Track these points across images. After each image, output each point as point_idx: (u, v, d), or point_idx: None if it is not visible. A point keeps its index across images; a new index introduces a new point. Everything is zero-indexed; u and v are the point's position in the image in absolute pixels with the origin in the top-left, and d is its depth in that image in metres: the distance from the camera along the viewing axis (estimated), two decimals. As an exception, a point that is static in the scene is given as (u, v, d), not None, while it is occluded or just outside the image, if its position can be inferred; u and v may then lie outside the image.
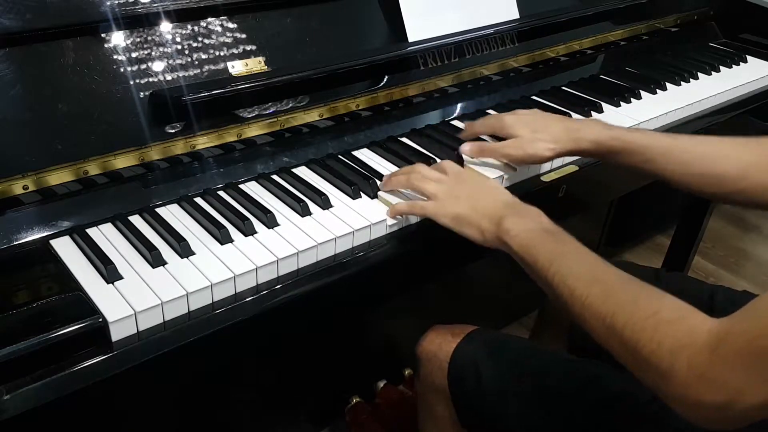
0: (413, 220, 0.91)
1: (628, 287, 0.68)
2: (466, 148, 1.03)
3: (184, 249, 0.80)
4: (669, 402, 0.61)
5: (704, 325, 0.59)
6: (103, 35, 0.85)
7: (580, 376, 0.89)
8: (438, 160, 1.03)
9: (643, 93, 1.32)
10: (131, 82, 0.87)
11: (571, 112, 1.21)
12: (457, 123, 1.17)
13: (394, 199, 0.93)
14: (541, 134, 0.98)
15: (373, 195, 0.94)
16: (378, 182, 0.96)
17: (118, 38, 0.86)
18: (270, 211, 0.87)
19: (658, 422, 0.81)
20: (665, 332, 0.61)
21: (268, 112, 0.97)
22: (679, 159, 0.93)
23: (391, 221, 0.89)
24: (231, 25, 0.95)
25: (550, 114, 1.06)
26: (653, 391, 0.63)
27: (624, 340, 0.64)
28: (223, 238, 0.82)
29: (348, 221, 0.88)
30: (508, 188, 1.01)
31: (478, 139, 1.08)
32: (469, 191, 0.88)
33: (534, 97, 1.28)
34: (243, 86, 0.92)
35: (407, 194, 0.94)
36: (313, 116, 1.02)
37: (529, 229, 0.80)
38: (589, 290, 0.69)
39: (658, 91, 1.34)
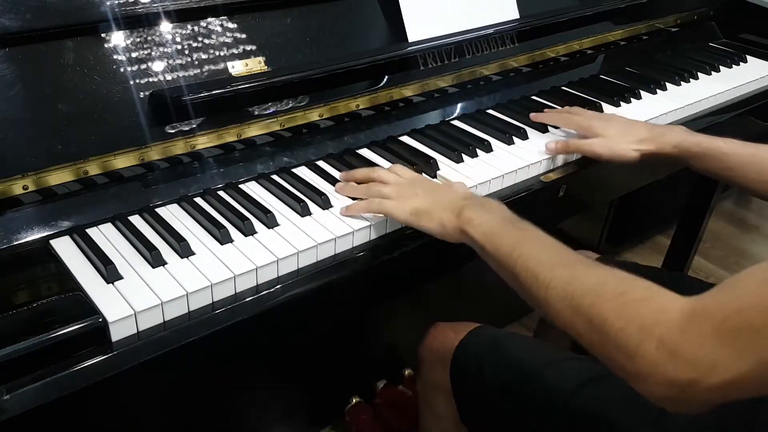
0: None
1: (594, 270, 0.67)
2: (552, 146, 1.07)
3: (184, 249, 0.80)
4: (634, 383, 0.60)
5: (676, 303, 0.59)
6: (103, 35, 0.85)
7: (583, 374, 0.89)
8: (438, 161, 1.03)
9: (643, 93, 1.32)
10: (131, 82, 0.87)
11: (571, 112, 1.21)
12: (457, 123, 1.17)
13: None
14: (627, 136, 1.03)
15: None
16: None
17: (118, 38, 0.86)
18: (270, 211, 0.87)
19: (659, 422, 0.81)
20: (635, 310, 0.60)
21: (268, 112, 0.97)
22: (757, 168, 0.96)
23: (390, 222, 0.89)
24: (231, 25, 0.95)
25: (630, 119, 1.10)
26: (618, 373, 0.62)
27: (590, 320, 0.63)
28: (223, 238, 0.82)
29: (348, 221, 0.88)
30: (508, 188, 1.02)
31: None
32: (428, 187, 0.89)
33: (534, 97, 1.28)
34: (243, 86, 0.92)
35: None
36: (313, 116, 1.02)
37: (491, 219, 0.79)
38: (554, 273, 0.68)
39: (658, 91, 1.34)
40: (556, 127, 1.15)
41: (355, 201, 0.91)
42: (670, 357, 0.57)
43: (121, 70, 0.86)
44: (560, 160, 1.08)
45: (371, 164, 1.01)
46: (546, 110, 1.18)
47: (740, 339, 0.54)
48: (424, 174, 0.99)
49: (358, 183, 0.94)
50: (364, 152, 1.05)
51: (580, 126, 1.09)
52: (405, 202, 0.86)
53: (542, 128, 1.15)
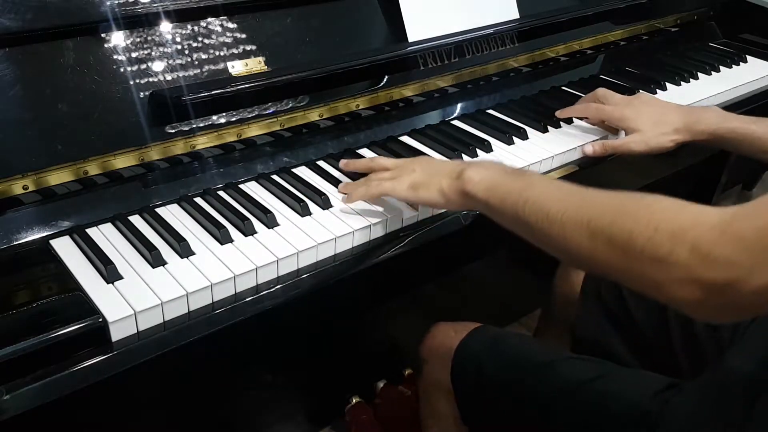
0: (411, 221, 0.91)
1: (608, 193, 0.65)
2: (589, 149, 1.07)
3: (184, 249, 0.80)
4: (660, 288, 0.57)
5: (713, 210, 0.56)
6: (103, 35, 0.85)
7: (583, 374, 0.89)
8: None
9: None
10: (131, 82, 0.87)
11: (571, 112, 1.21)
12: (457, 123, 1.17)
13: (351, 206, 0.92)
14: (662, 126, 1.02)
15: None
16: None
17: (118, 38, 0.86)
18: (270, 211, 0.87)
19: (659, 421, 0.81)
20: (664, 218, 0.57)
21: (268, 112, 0.97)
22: None
23: (390, 222, 0.89)
24: (231, 25, 0.95)
25: (663, 101, 1.09)
26: (646, 287, 0.59)
27: (612, 238, 0.60)
28: (223, 238, 0.82)
29: (348, 221, 0.88)
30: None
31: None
32: (424, 163, 0.88)
33: (534, 97, 1.28)
34: (243, 86, 0.92)
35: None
36: (313, 116, 1.02)
37: (492, 173, 0.78)
38: (566, 204, 0.66)
39: (658, 91, 1.34)
40: (558, 126, 1.15)
41: (355, 190, 0.90)
42: (705, 259, 0.54)
43: (121, 70, 0.86)
44: (560, 160, 1.08)
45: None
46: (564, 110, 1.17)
47: None
48: None
49: (359, 174, 0.94)
50: (364, 152, 1.05)
51: (611, 118, 1.08)
52: (402, 179, 0.86)
53: (542, 128, 1.15)
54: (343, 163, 0.96)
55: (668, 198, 0.61)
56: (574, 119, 1.19)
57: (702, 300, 0.55)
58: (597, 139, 1.12)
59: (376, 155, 1.03)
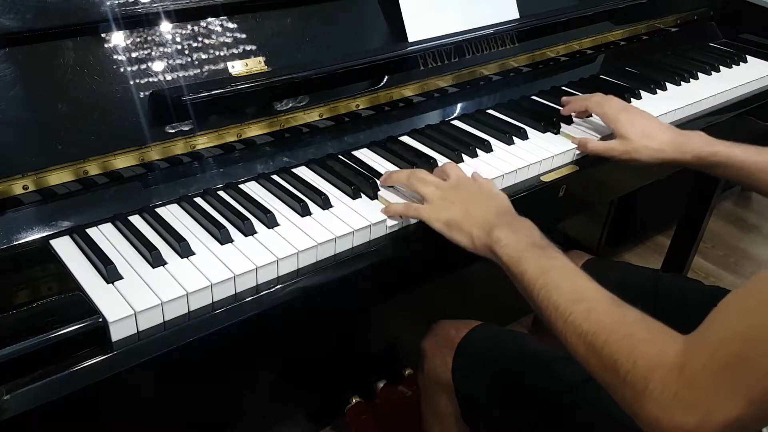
0: (412, 221, 0.91)
1: (610, 308, 0.69)
2: (577, 139, 1.10)
3: (184, 249, 0.80)
4: (645, 426, 0.61)
5: (675, 345, 0.60)
6: (103, 35, 0.85)
7: (583, 372, 0.89)
8: (438, 161, 1.03)
9: (643, 93, 1.32)
10: (131, 82, 0.87)
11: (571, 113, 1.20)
12: (457, 123, 1.17)
13: (393, 198, 0.93)
14: (649, 141, 1.03)
15: (373, 195, 0.94)
16: (378, 182, 0.96)
17: (118, 38, 0.86)
18: (270, 211, 0.87)
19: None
20: (640, 352, 0.61)
21: (268, 112, 0.97)
22: None
23: (390, 222, 0.89)
24: (231, 25, 0.95)
25: (657, 120, 1.10)
26: (629, 413, 0.63)
27: (603, 360, 0.65)
28: (223, 238, 0.82)
29: (348, 221, 0.88)
30: (508, 188, 1.02)
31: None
32: (464, 197, 0.88)
33: (534, 97, 1.28)
34: (243, 86, 0.92)
35: (405, 194, 0.94)
36: (313, 116, 1.02)
37: (519, 241, 0.80)
38: (573, 307, 0.70)
39: (658, 91, 1.34)
40: (558, 126, 1.15)
41: (395, 203, 0.91)
42: (673, 400, 0.57)
43: (121, 70, 0.86)
44: (560, 160, 1.08)
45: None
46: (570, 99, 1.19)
47: (729, 374, 0.55)
48: None
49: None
50: (364, 152, 1.05)
51: (606, 116, 1.09)
52: (440, 212, 0.87)
53: (542, 128, 1.15)
54: (382, 180, 0.96)
55: (648, 325, 0.64)
56: (574, 119, 1.19)
57: None
58: (597, 139, 1.12)
59: (377, 165, 1.02)
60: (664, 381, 0.58)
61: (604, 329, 0.66)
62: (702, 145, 1.03)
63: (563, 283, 0.73)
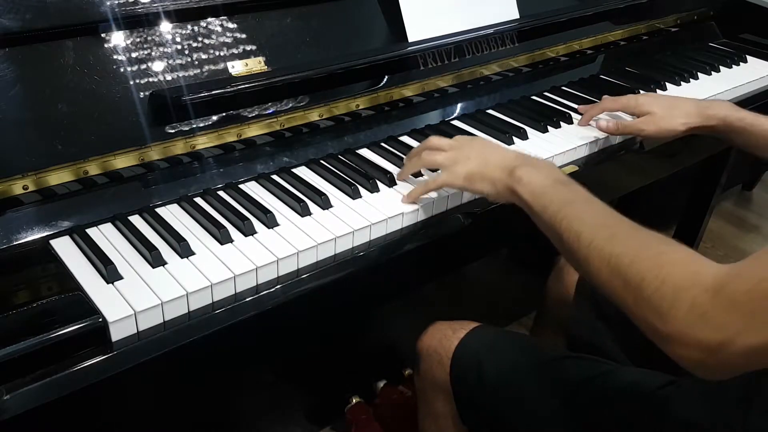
0: (410, 221, 0.91)
1: (635, 232, 0.69)
2: (603, 124, 1.10)
3: (184, 249, 0.80)
4: (662, 342, 0.61)
5: (711, 269, 0.60)
6: (103, 35, 0.85)
7: (582, 373, 0.89)
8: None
9: (643, 93, 1.32)
10: (131, 82, 0.87)
11: (571, 113, 1.20)
12: (457, 123, 1.17)
13: (408, 188, 0.94)
14: (674, 110, 1.06)
15: (372, 189, 0.94)
16: (378, 183, 0.96)
17: (118, 38, 0.86)
18: (270, 211, 0.87)
19: (657, 418, 0.81)
20: (670, 271, 0.61)
21: (268, 112, 0.97)
22: None
23: (390, 222, 0.89)
24: (231, 25, 0.95)
25: (678, 96, 1.14)
26: (650, 335, 0.62)
27: (628, 279, 0.64)
28: (223, 238, 0.82)
29: (348, 221, 0.88)
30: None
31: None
32: (479, 149, 0.89)
33: (534, 97, 1.28)
34: (243, 86, 0.92)
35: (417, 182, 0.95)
36: (313, 116, 1.02)
37: (541, 178, 0.80)
38: (596, 233, 0.69)
39: (658, 91, 1.34)
40: (558, 126, 1.15)
41: (412, 189, 0.92)
42: (699, 319, 0.57)
43: (121, 70, 0.86)
44: (560, 160, 1.08)
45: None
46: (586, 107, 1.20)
47: (763, 308, 0.55)
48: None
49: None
50: (364, 152, 1.05)
51: (627, 105, 1.11)
52: (457, 168, 0.88)
53: (542, 128, 1.15)
54: (399, 177, 0.97)
55: (681, 248, 0.64)
56: (574, 119, 1.19)
57: (698, 358, 0.58)
58: (601, 139, 1.13)
59: (377, 164, 1.02)
60: (694, 300, 0.58)
61: (630, 250, 0.65)
62: (729, 111, 1.05)
63: (586, 213, 0.73)
